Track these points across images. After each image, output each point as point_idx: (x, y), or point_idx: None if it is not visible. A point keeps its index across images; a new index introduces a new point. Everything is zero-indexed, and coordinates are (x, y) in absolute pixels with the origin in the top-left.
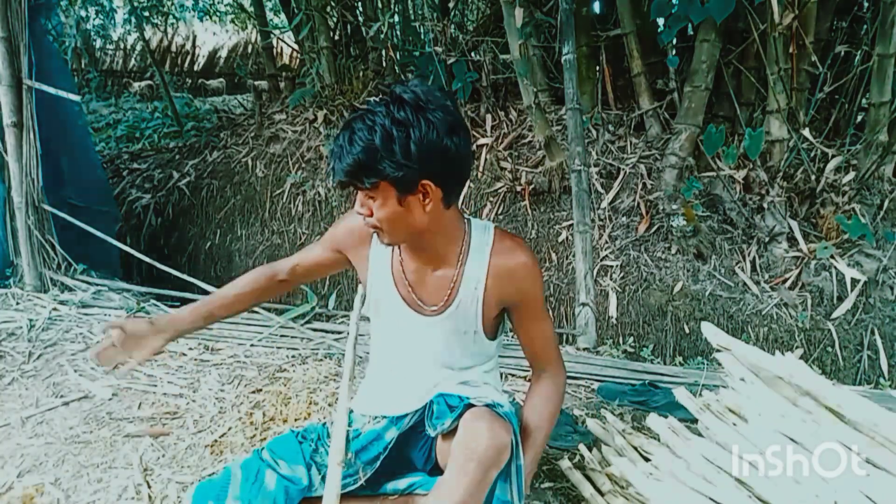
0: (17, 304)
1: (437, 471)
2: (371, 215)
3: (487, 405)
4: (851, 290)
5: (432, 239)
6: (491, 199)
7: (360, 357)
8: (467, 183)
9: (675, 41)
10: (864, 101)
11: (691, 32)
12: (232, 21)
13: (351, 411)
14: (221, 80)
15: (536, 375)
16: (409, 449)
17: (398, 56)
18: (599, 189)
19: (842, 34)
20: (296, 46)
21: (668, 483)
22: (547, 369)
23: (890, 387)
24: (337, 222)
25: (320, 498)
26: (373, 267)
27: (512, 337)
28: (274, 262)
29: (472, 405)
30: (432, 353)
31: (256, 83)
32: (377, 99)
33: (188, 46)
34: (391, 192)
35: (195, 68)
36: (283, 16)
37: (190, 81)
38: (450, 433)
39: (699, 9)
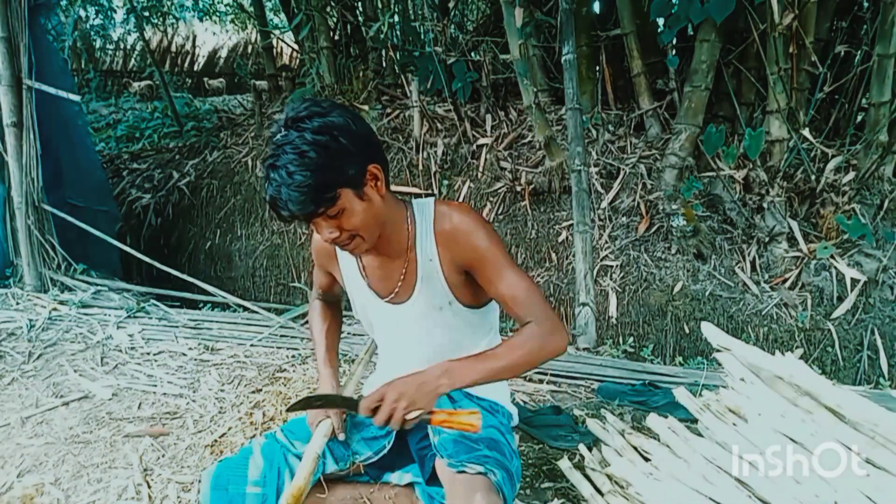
0: (17, 304)
1: (434, 480)
2: (340, 234)
3: (485, 473)
4: (851, 290)
5: (385, 225)
6: (491, 199)
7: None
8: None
9: (675, 41)
10: (864, 101)
11: (691, 32)
12: (232, 21)
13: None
14: (221, 80)
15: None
16: (410, 433)
17: (398, 56)
18: (599, 189)
19: (842, 34)
20: (296, 46)
21: (668, 483)
22: (533, 322)
23: (890, 387)
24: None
25: (332, 476)
26: (345, 275)
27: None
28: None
29: (466, 471)
30: (418, 339)
31: (256, 83)
32: (275, 133)
33: (188, 46)
34: (350, 194)
35: (195, 68)
36: (283, 16)
37: (190, 81)
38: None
39: (699, 9)
